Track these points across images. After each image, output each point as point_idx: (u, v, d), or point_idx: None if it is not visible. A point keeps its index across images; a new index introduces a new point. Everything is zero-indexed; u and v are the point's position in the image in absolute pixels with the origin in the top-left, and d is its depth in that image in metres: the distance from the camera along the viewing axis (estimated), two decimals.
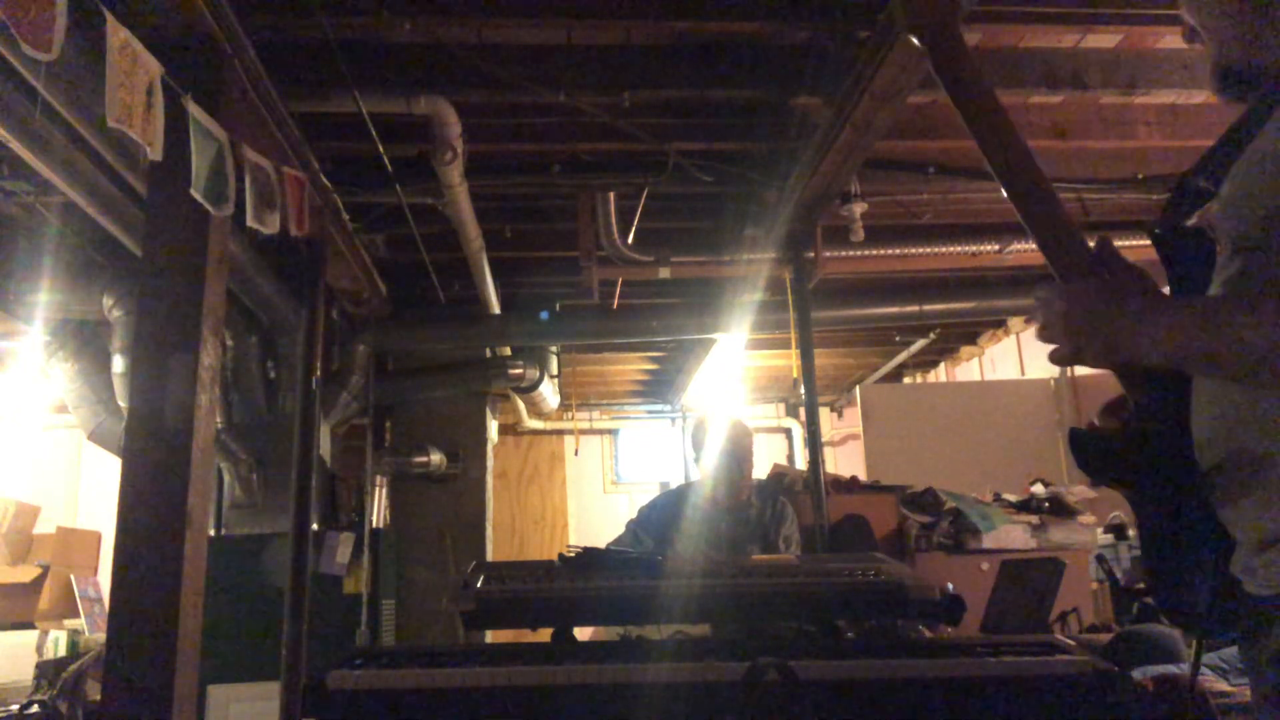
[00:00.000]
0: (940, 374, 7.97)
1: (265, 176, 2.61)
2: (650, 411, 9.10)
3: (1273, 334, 0.91)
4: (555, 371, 6.20)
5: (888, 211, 4.45)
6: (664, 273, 4.54)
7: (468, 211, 3.95)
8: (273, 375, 4.60)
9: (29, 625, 5.45)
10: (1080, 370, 5.89)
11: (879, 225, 4.45)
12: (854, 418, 6.88)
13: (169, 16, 2.37)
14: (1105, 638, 2.96)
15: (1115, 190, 4.23)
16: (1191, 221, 1.15)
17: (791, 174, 3.82)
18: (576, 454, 8.50)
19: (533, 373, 5.82)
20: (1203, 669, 2.39)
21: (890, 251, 4.61)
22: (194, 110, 2.22)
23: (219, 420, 4.17)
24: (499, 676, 1.76)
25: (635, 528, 3.29)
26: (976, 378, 7.30)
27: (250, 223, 2.52)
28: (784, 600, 2.08)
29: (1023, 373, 6.60)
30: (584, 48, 3.32)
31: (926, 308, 5.31)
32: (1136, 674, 2.40)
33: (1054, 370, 6.09)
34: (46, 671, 4.23)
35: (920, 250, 4.63)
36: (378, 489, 5.45)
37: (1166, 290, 1.12)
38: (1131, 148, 4.10)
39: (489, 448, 5.98)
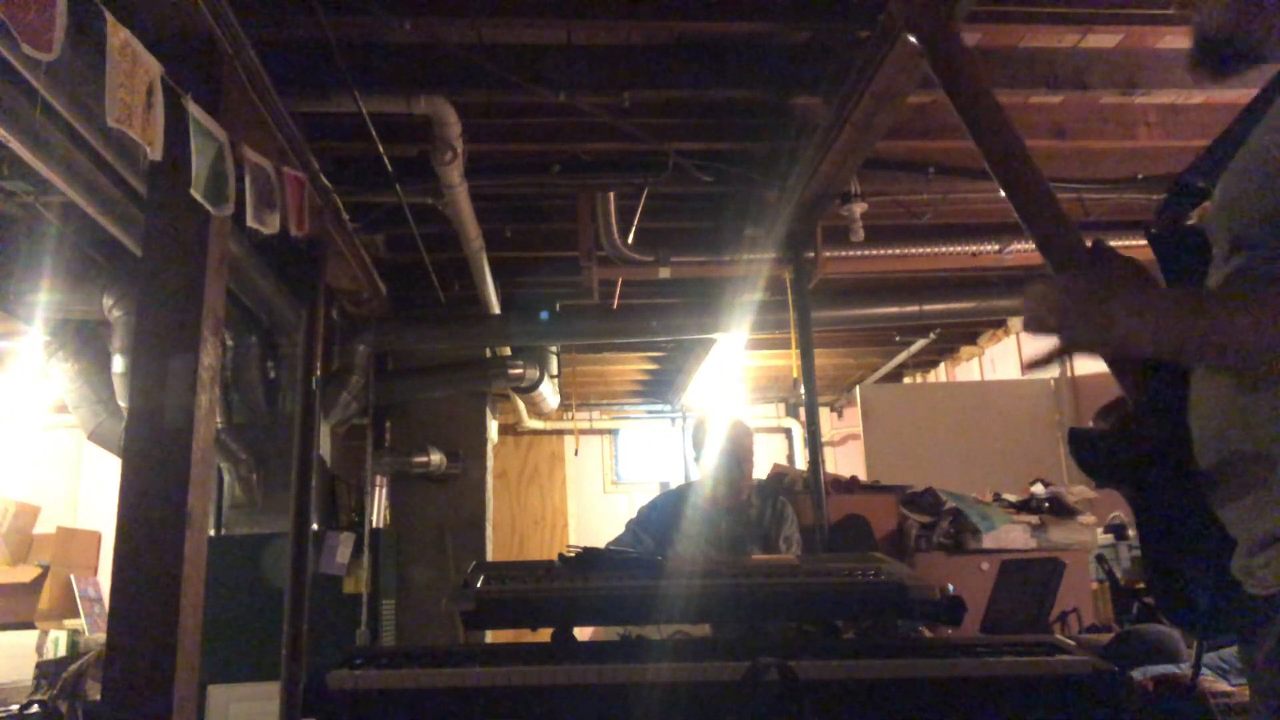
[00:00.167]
0: (940, 374, 7.97)
1: (265, 176, 2.61)
2: (650, 411, 9.10)
3: (1270, 324, 0.91)
4: (555, 371, 6.20)
5: (888, 211, 4.45)
6: (664, 273, 4.54)
7: (468, 211, 3.95)
8: (273, 375, 4.60)
9: (29, 625, 5.45)
10: (1080, 370, 5.89)
11: (879, 225, 4.45)
12: (854, 418, 6.88)
13: (169, 16, 2.37)
14: (1105, 638, 2.96)
15: (1115, 190, 4.23)
16: (1189, 221, 1.15)
17: (791, 174, 3.82)
18: (576, 454, 8.50)
19: (533, 373, 5.82)
20: (1203, 669, 2.39)
21: (890, 251, 4.61)
22: (194, 110, 2.22)
23: (219, 420, 4.17)
24: (499, 676, 1.76)
25: (635, 528, 3.29)
26: (976, 378, 7.30)
27: (250, 223, 2.52)
28: (784, 600, 2.08)
29: (1023, 373, 6.60)
30: (584, 48, 3.32)
31: (926, 308, 5.31)
32: (1136, 674, 2.40)
33: (1054, 370, 6.09)
34: (46, 671, 4.23)
35: (920, 250, 4.63)
36: (378, 489, 5.44)
37: None
38: (1131, 148, 4.10)
39: (489, 448, 5.98)
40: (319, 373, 3.72)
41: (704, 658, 1.88)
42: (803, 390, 4.20)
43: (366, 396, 5.05)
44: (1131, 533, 4.10)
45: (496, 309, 5.14)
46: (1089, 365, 5.76)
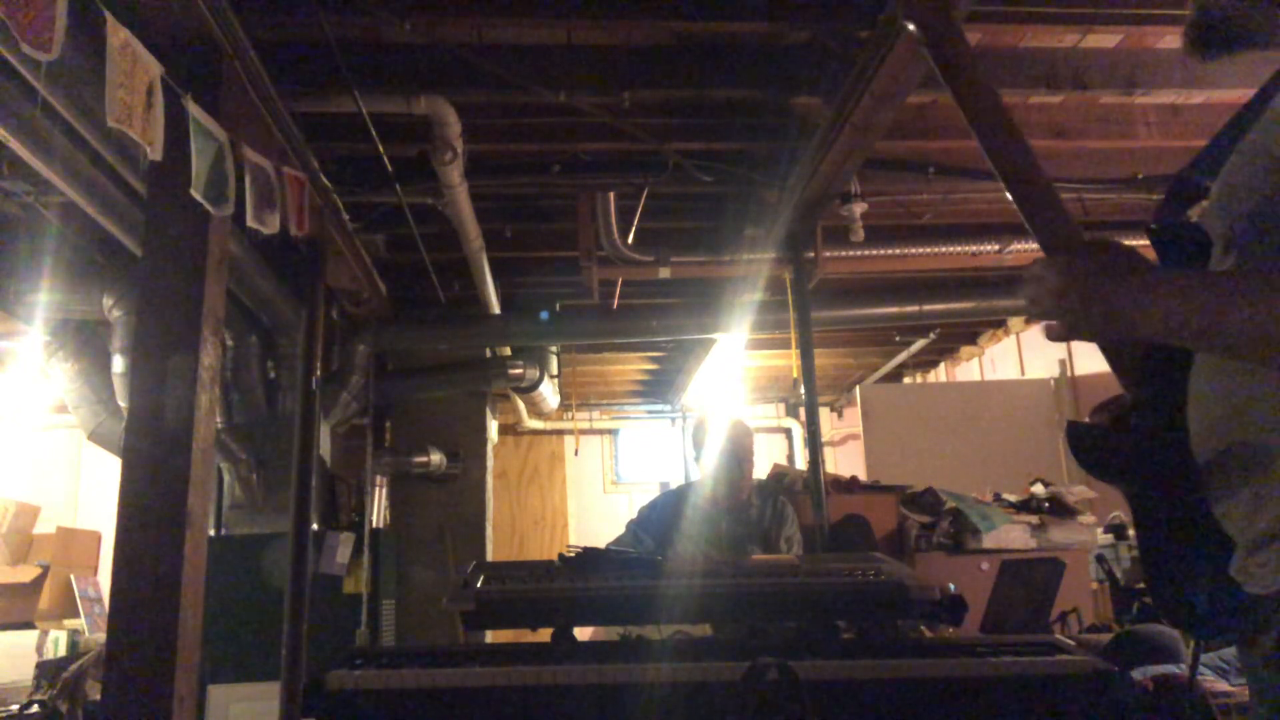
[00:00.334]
0: (940, 374, 7.97)
1: (265, 176, 2.61)
2: (650, 411, 9.10)
3: (1273, 309, 0.90)
4: (555, 371, 6.20)
5: (888, 211, 4.45)
6: (664, 273, 4.54)
7: (468, 211, 3.95)
8: (273, 375, 4.60)
9: (29, 625, 5.45)
10: (1080, 370, 5.89)
11: (879, 225, 4.45)
12: (854, 418, 6.88)
13: (169, 16, 2.37)
14: (1105, 638, 2.96)
15: (1115, 190, 4.23)
16: (1190, 217, 1.15)
17: (791, 174, 3.83)
18: (576, 454, 8.50)
19: (533, 373, 5.82)
20: (1203, 669, 2.40)
21: (890, 251, 4.61)
22: (194, 110, 2.22)
23: (219, 420, 4.17)
24: (499, 676, 1.76)
25: (635, 528, 3.29)
26: (976, 378, 7.30)
27: (250, 223, 2.53)
28: (784, 600, 2.08)
29: (1023, 373, 6.60)
30: (584, 48, 3.32)
31: (926, 308, 5.31)
32: (1136, 674, 2.40)
33: (1054, 370, 6.10)
34: (46, 671, 4.23)
35: (920, 250, 4.63)
36: (378, 489, 5.45)
37: None
38: (1131, 148, 4.10)
39: (489, 448, 5.98)
40: (319, 373, 3.72)
41: (704, 658, 1.88)
42: (803, 390, 4.20)
43: (366, 396, 5.05)
44: (1131, 533, 4.10)
45: (496, 309, 5.14)
46: (1089, 365, 5.76)
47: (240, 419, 4.48)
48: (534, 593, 2.01)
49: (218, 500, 4.41)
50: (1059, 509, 4.03)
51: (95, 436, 4.60)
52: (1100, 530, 4.16)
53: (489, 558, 5.70)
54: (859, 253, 4.51)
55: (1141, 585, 3.51)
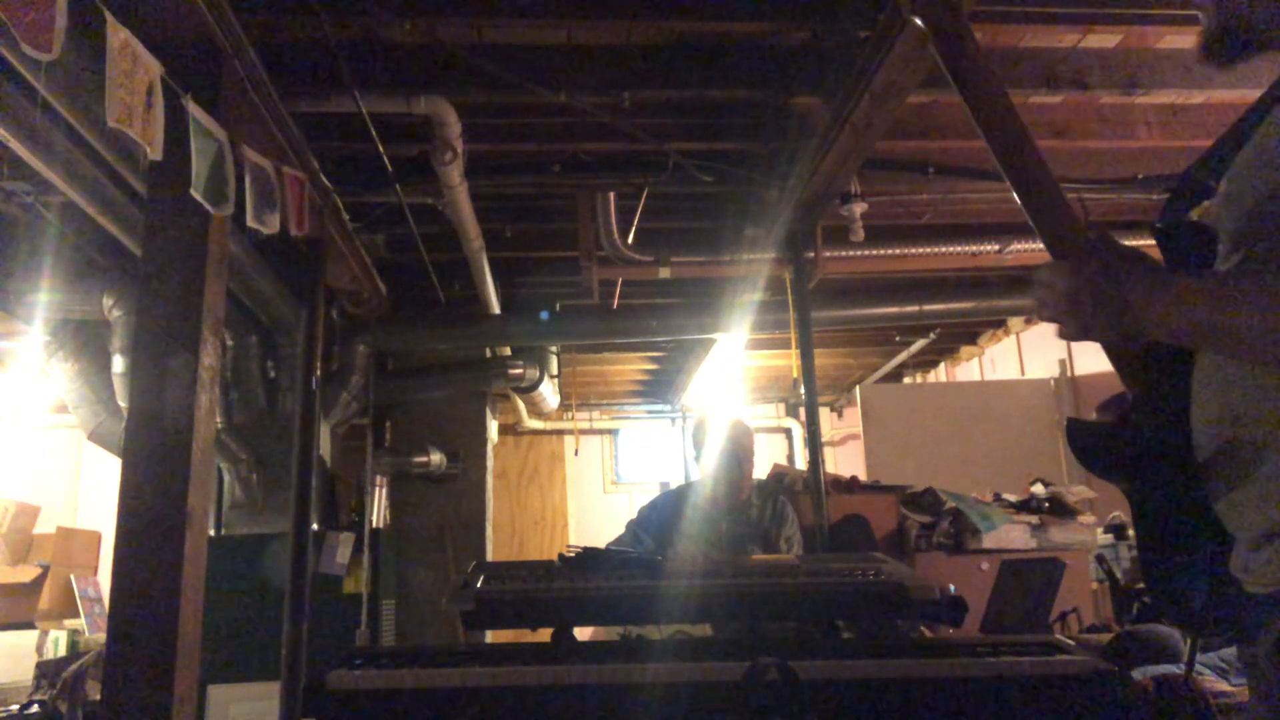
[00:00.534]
0: (940, 374, 7.97)
1: (265, 176, 2.61)
2: (650, 411, 9.10)
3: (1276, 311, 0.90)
4: (555, 371, 6.20)
5: (888, 211, 4.45)
6: (664, 273, 4.54)
7: (468, 211, 3.95)
8: (273, 375, 4.60)
9: (29, 625, 5.45)
10: (1080, 370, 5.89)
11: (879, 225, 4.45)
12: (854, 418, 6.88)
13: (169, 16, 2.37)
14: (1105, 638, 2.96)
15: (1115, 190, 4.23)
16: (1192, 218, 1.15)
17: (791, 174, 3.82)
18: (576, 454, 8.50)
19: (533, 373, 5.82)
20: (1203, 669, 2.40)
21: (890, 251, 4.61)
22: (194, 110, 2.22)
23: (219, 420, 4.17)
24: (499, 676, 1.76)
25: (635, 528, 3.29)
26: (976, 378, 7.30)
27: (250, 223, 2.53)
28: (784, 600, 2.08)
29: (1023, 373, 6.60)
30: (584, 48, 3.32)
31: (926, 308, 5.31)
32: (1136, 674, 2.40)
33: (1054, 370, 6.10)
34: (46, 671, 4.23)
35: (920, 250, 4.63)
36: (378, 489, 5.45)
37: None
38: (1131, 148, 4.10)
39: (489, 448, 5.98)
40: (319, 373, 3.72)
41: (704, 658, 1.88)
42: (803, 390, 4.20)
43: (366, 396, 5.05)
44: (1131, 532, 4.09)
45: (496, 309, 5.14)
46: (1089, 365, 5.76)
47: (240, 419, 4.48)
48: (534, 593, 2.01)
49: (218, 500, 4.41)
50: (1059, 509, 4.03)
51: (95, 436, 4.60)
52: (1100, 530, 4.16)
53: (489, 558, 5.70)
54: (859, 253, 4.51)
55: (1141, 585, 3.51)
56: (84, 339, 4.52)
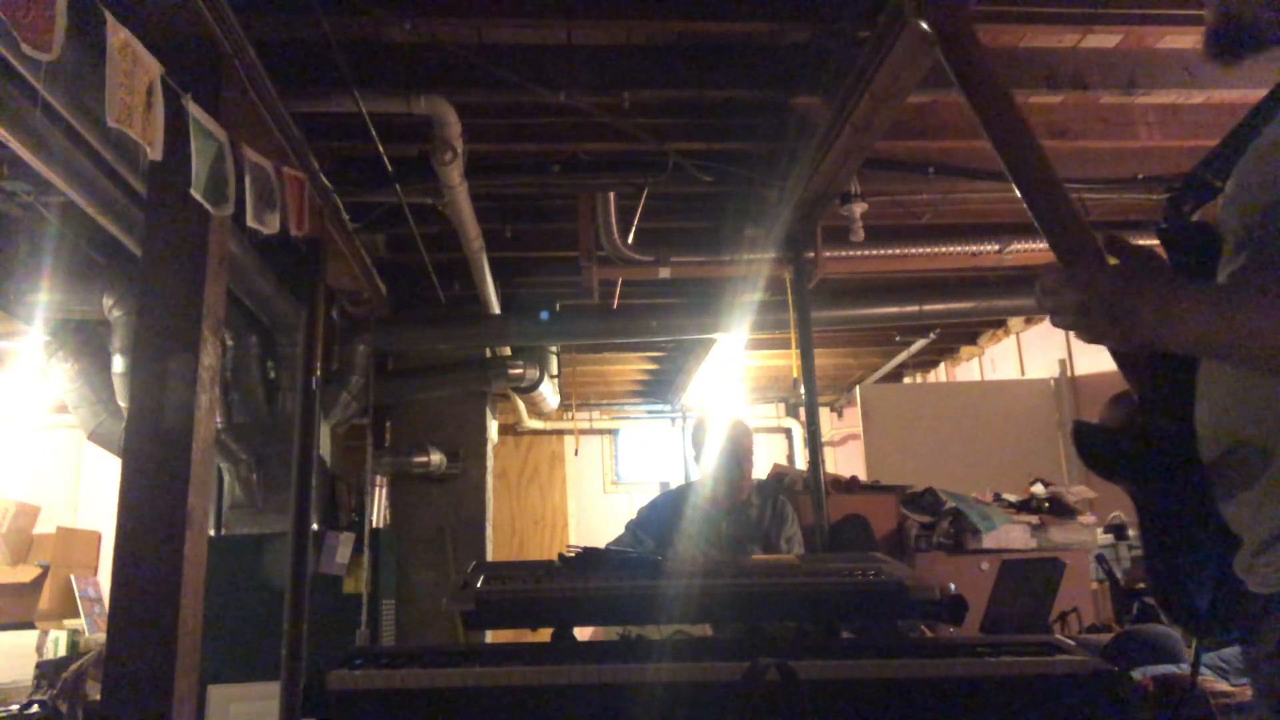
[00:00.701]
0: (940, 374, 7.97)
1: (265, 176, 2.61)
2: (650, 411, 9.10)
3: None
4: (555, 371, 6.20)
5: (888, 211, 4.45)
6: (664, 273, 4.54)
7: (468, 211, 3.95)
8: (273, 375, 4.60)
9: (29, 625, 5.45)
10: (1080, 370, 5.89)
11: (879, 225, 4.45)
12: (854, 418, 6.88)
13: (169, 16, 2.37)
14: (1105, 638, 2.96)
15: (1115, 190, 4.23)
16: (1196, 216, 1.15)
17: (791, 174, 3.82)
18: (576, 454, 8.50)
19: (533, 373, 5.82)
20: (1203, 669, 2.40)
21: (890, 251, 4.61)
22: (194, 110, 2.22)
23: (219, 420, 4.17)
24: (499, 676, 1.76)
25: (635, 528, 3.29)
26: (976, 378, 7.30)
27: (250, 223, 2.52)
28: (784, 600, 2.08)
29: (1023, 373, 6.60)
30: (584, 48, 3.32)
31: (926, 308, 5.31)
32: (1136, 674, 2.40)
33: (1054, 370, 6.10)
34: (46, 671, 4.23)
35: (920, 250, 4.63)
36: (378, 489, 5.45)
37: None
38: (1131, 148, 4.10)
39: (489, 448, 5.98)
40: (319, 373, 3.72)
41: (704, 658, 1.88)
42: (803, 390, 4.20)
43: (366, 396, 5.05)
44: (1132, 532, 4.10)
45: (496, 309, 5.14)
46: (1089, 365, 5.76)
47: (240, 419, 4.48)
48: (534, 593, 2.01)
49: (218, 500, 4.41)
50: (1059, 509, 4.03)
51: (95, 436, 4.60)
52: (1100, 530, 4.16)
53: (489, 558, 5.70)
54: (859, 253, 4.51)
55: (1141, 585, 3.51)
56: (84, 339, 4.52)
